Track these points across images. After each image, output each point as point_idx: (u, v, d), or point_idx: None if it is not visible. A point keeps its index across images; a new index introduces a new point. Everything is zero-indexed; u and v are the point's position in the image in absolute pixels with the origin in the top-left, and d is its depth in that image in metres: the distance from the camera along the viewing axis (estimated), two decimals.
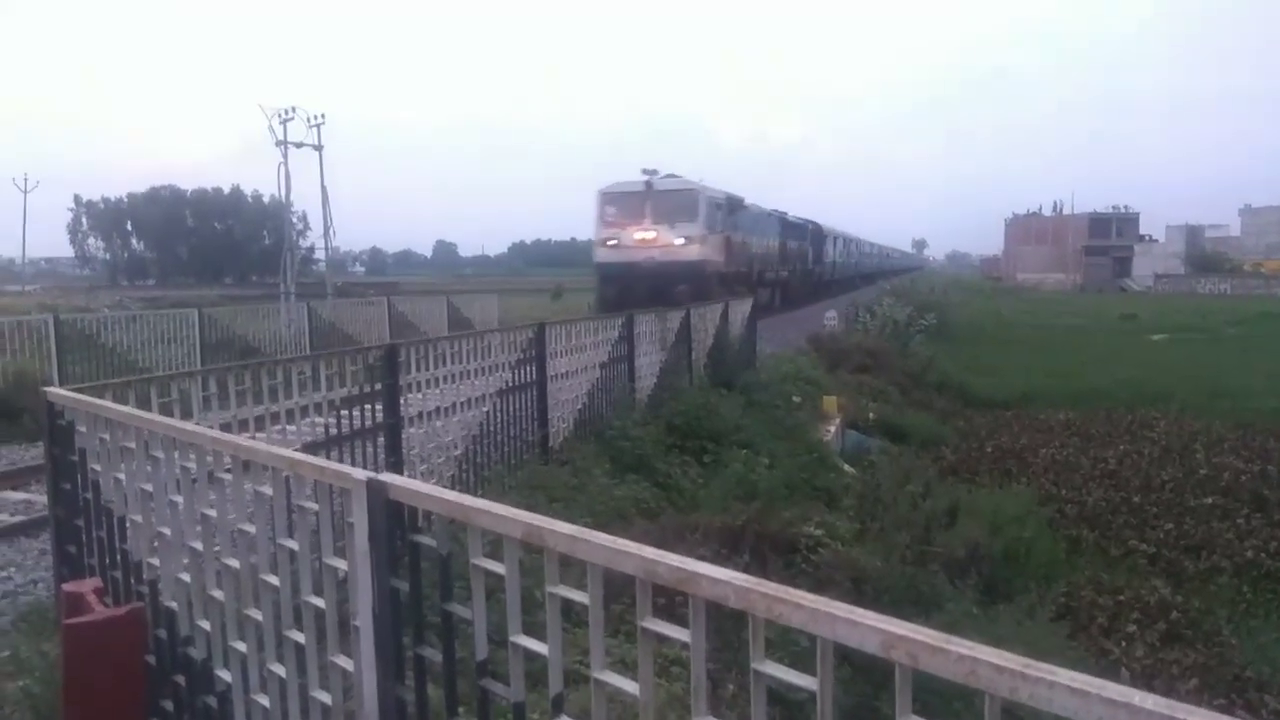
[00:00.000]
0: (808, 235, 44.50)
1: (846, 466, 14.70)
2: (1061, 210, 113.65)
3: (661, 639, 1.86)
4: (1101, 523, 13.22)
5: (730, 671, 5.24)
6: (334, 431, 6.32)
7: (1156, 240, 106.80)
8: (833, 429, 16.29)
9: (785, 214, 39.23)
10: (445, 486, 6.92)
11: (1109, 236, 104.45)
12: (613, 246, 25.49)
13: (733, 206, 28.73)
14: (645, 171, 26.28)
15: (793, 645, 4.80)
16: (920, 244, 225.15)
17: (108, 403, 4.06)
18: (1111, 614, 9.57)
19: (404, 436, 7.13)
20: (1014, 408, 23.06)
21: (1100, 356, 31.62)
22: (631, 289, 23.18)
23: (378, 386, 6.84)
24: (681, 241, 24.75)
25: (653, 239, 24.98)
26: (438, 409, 7.62)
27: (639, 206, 25.60)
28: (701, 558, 1.78)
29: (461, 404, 7.98)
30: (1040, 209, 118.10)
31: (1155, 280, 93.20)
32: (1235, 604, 10.60)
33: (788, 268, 38.28)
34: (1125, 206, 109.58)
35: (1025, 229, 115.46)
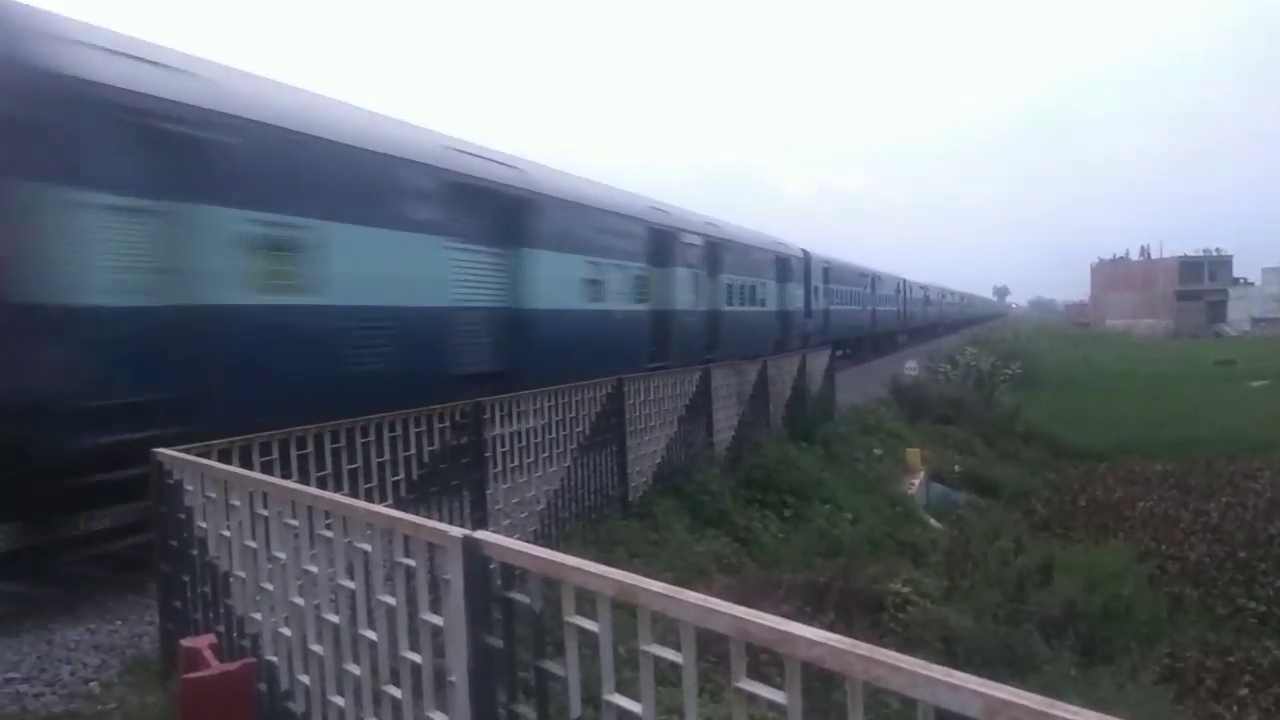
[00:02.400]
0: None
1: (932, 521, 14.36)
2: (1150, 254, 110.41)
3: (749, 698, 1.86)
4: (1205, 579, 12.61)
5: None
6: (423, 488, 6.47)
7: (1252, 283, 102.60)
8: (917, 482, 15.96)
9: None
10: (528, 541, 6.99)
11: (1201, 280, 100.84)
12: None
13: None
14: None
15: (882, 706, 4.69)
16: (1002, 291, 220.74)
17: (214, 462, 4.24)
18: (1221, 676, 9.09)
19: (488, 492, 7.24)
20: (1107, 459, 22.27)
21: (1197, 404, 30.39)
22: None
23: (464, 441, 6.99)
24: None
25: None
26: (521, 464, 7.73)
27: None
28: (785, 615, 1.78)
29: (544, 459, 8.07)
30: (1127, 253, 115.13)
31: (1252, 324, 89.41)
32: None
33: None
34: (1217, 249, 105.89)
35: (1112, 274, 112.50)
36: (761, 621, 1.74)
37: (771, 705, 1.82)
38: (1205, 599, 11.97)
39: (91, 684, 5.12)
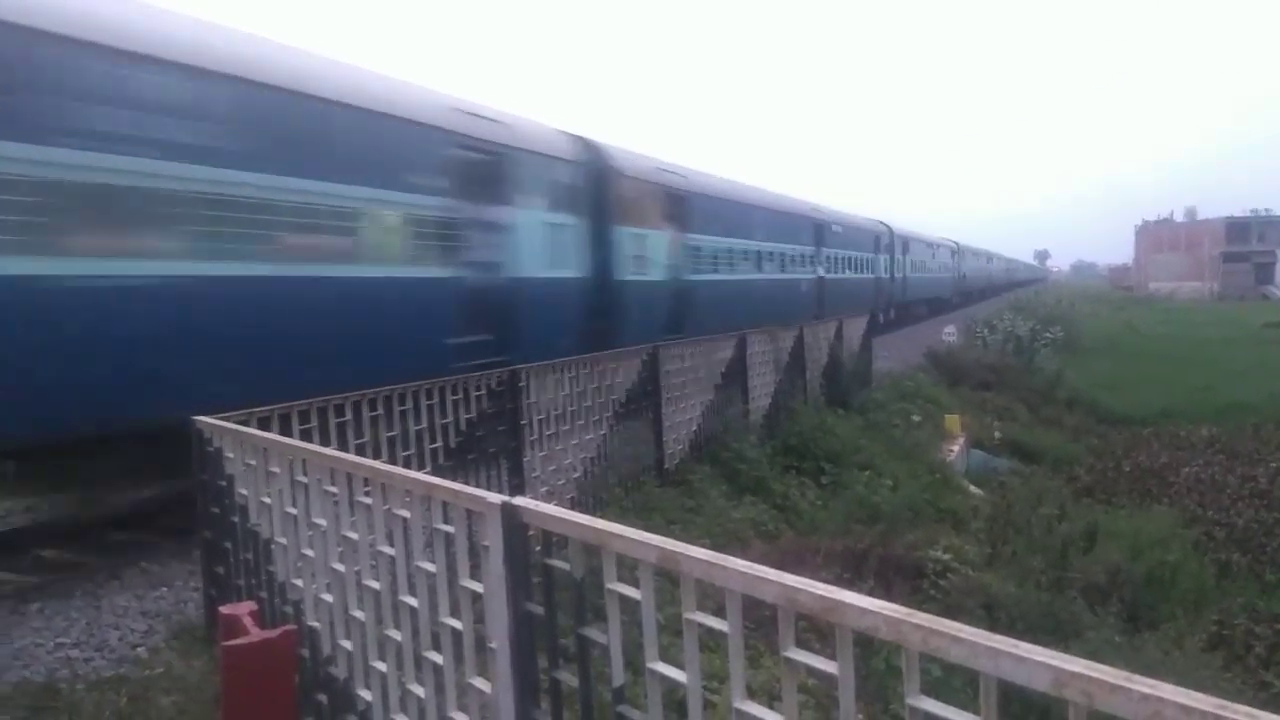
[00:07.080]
0: None
1: (973, 488, 14.21)
2: (1195, 215, 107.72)
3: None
4: (1254, 546, 12.36)
5: (856, 701, 5.09)
6: (460, 455, 6.48)
7: None
8: (956, 449, 15.78)
9: None
10: (565, 508, 6.99)
11: (1249, 242, 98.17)
12: None
13: None
14: None
15: (925, 674, 4.63)
16: (1043, 254, 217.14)
17: (254, 430, 4.25)
18: (1271, 644, 8.92)
19: (525, 460, 7.25)
20: (1152, 424, 21.90)
21: (1244, 369, 29.74)
22: None
23: (501, 409, 6.99)
24: None
25: None
26: (557, 432, 7.72)
27: None
28: (824, 582, 1.72)
29: (580, 427, 8.07)
30: (1172, 214, 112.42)
31: None
32: None
33: None
34: (1266, 209, 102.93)
35: (1157, 236, 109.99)
36: (812, 590, 1.68)
37: (811, 671, 1.76)
38: (1254, 565, 11.73)
39: (139, 649, 5.22)
